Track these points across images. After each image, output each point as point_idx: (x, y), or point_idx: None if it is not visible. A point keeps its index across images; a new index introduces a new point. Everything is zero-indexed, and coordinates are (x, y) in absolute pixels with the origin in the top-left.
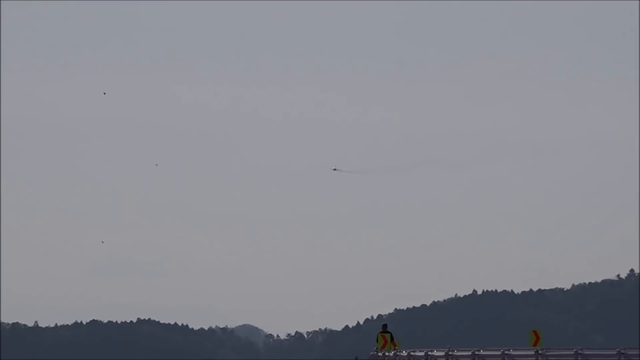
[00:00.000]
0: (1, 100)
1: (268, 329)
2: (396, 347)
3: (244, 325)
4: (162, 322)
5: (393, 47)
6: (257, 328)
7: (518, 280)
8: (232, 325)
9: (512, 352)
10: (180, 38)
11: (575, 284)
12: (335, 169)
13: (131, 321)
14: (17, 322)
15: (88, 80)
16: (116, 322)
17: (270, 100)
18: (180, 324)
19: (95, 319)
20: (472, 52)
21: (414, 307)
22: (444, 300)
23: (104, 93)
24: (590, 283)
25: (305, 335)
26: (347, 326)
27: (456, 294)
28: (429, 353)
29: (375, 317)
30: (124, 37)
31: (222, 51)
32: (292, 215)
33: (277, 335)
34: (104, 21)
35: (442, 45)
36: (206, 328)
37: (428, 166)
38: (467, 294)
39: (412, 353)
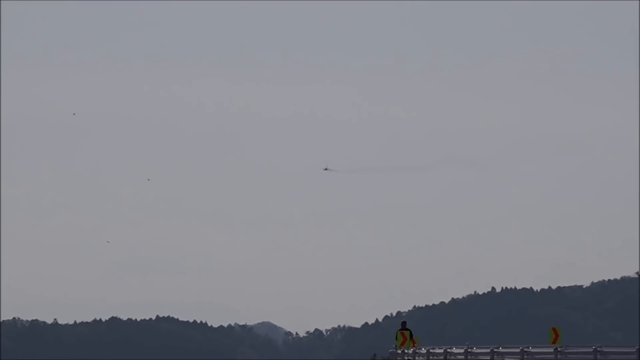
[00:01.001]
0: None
1: (287, 327)
2: (415, 345)
3: (263, 323)
4: (181, 319)
5: (407, 45)
6: (276, 326)
7: (537, 277)
8: (251, 322)
9: (531, 350)
10: (180, 36)
11: (595, 281)
12: (326, 169)
13: (150, 319)
14: (36, 320)
15: (87, 80)
16: (135, 319)
17: (280, 98)
18: (199, 322)
19: (115, 316)
20: (486, 51)
21: (433, 304)
22: (463, 298)
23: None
24: (609, 280)
25: (324, 333)
26: (366, 323)
27: (475, 291)
28: (448, 350)
29: (394, 315)
30: (124, 36)
31: (223, 50)
32: (311, 213)
33: (296, 333)
34: (102, 20)
35: (453, 44)
36: (225, 325)
37: (447, 164)
38: (486, 291)
39: (431, 350)
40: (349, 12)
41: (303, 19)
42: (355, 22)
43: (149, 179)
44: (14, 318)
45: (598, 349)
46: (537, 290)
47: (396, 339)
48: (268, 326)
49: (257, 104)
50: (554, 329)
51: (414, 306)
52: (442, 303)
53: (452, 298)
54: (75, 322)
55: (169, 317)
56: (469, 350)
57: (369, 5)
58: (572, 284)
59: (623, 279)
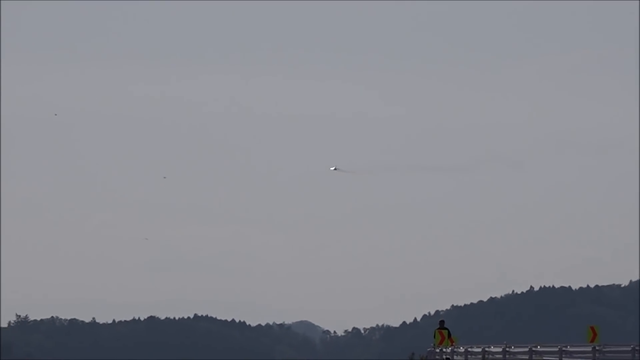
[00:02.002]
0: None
1: (325, 325)
2: (453, 344)
3: (301, 322)
4: (219, 318)
5: (428, 44)
6: (314, 324)
7: (575, 276)
8: (289, 321)
9: (569, 349)
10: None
11: (633, 280)
12: (335, 169)
13: (188, 317)
14: (75, 319)
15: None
16: (173, 318)
17: (304, 97)
18: (237, 321)
19: (153, 315)
20: (515, 50)
21: (471, 303)
22: (501, 297)
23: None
24: None
25: (362, 332)
26: (404, 322)
27: (513, 291)
28: (486, 349)
29: (432, 314)
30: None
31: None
32: (347, 211)
33: (334, 332)
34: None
35: (476, 43)
36: (263, 324)
37: (486, 163)
38: (524, 290)
39: (469, 349)
40: (377, 12)
41: (329, 16)
42: (381, 22)
43: (164, 177)
44: (53, 317)
45: (637, 347)
46: (575, 289)
47: (434, 338)
48: (306, 325)
49: (285, 103)
50: (592, 328)
51: (452, 305)
52: (481, 302)
53: (491, 297)
54: (113, 321)
55: (207, 316)
56: (507, 349)
57: (398, 5)
58: (611, 282)
59: None
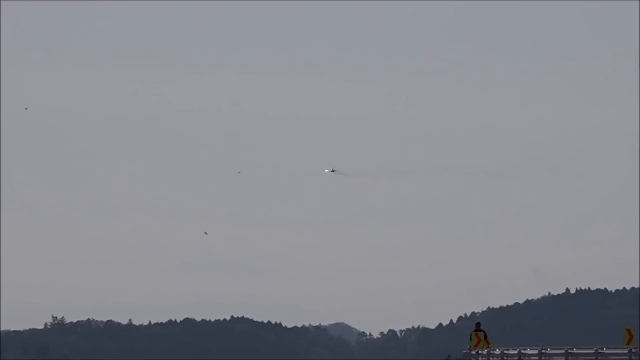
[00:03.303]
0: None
1: (361, 327)
2: (489, 346)
3: (337, 324)
4: (255, 320)
5: (465, 44)
6: (350, 326)
7: (612, 278)
8: (325, 323)
9: (605, 351)
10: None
11: None
12: (333, 170)
13: (224, 319)
14: (111, 320)
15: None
16: (210, 320)
17: (339, 99)
18: (273, 322)
19: (189, 317)
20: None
21: (507, 305)
22: (537, 299)
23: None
24: None
25: (399, 334)
26: (440, 324)
27: (549, 292)
28: (522, 351)
29: (468, 316)
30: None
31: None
32: (384, 212)
33: (370, 334)
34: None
35: (516, 44)
36: (299, 326)
37: (523, 165)
38: (560, 292)
39: (505, 351)
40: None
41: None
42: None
43: (239, 172)
44: (89, 319)
45: None
46: (611, 291)
47: (470, 339)
48: (342, 327)
49: (325, 105)
50: (628, 330)
51: (488, 307)
52: (517, 304)
53: (527, 299)
54: (149, 322)
55: (243, 317)
56: (543, 351)
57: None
58: None
59: None
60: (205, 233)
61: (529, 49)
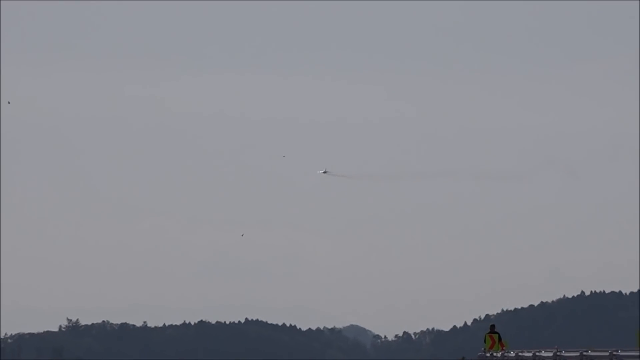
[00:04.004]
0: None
1: (376, 330)
2: (504, 348)
3: (352, 326)
4: (269, 322)
5: (480, 45)
6: (364, 329)
7: (626, 280)
8: (340, 325)
9: (620, 353)
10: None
11: None
12: (325, 172)
13: (239, 321)
14: (126, 323)
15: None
16: (224, 322)
17: (357, 102)
18: (288, 325)
19: (203, 319)
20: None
21: (522, 307)
22: (552, 301)
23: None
24: None
25: (413, 336)
26: (454, 327)
27: (564, 295)
28: (537, 354)
29: (482, 318)
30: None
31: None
32: (398, 215)
33: (385, 336)
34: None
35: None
36: (314, 329)
37: (543, 169)
38: (575, 294)
39: (520, 354)
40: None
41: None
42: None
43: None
44: (103, 321)
45: None
46: (626, 293)
47: (485, 342)
48: (357, 329)
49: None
50: None
51: (503, 309)
52: (531, 306)
53: (541, 301)
54: (164, 325)
55: (257, 320)
56: (558, 353)
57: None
58: None
59: None
60: (242, 235)
61: (536, 51)
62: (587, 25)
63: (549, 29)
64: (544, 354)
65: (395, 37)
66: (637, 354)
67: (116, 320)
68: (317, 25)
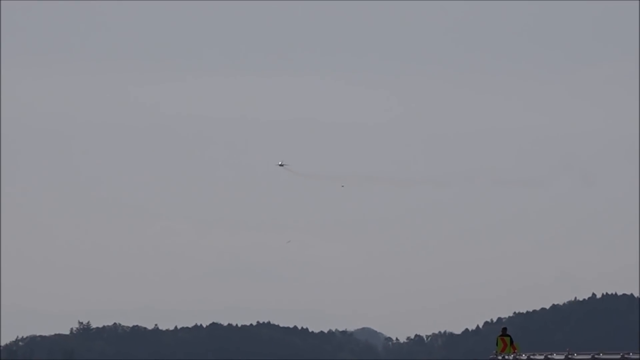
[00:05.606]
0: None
1: (387, 332)
2: (515, 351)
3: (364, 329)
4: (281, 325)
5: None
6: (376, 331)
7: (638, 283)
8: (351, 328)
9: (631, 356)
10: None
11: None
12: (281, 164)
13: (251, 324)
14: (137, 325)
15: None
16: (236, 325)
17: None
18: (299, 328)
19: (215, 322)
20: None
21: (533, 310)
22: (564, 304)
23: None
24: None
25: (425, 339)
26: (466, 329)
27: (576, 298)
28: (549, 356)
29: (494, 320)
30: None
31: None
32: (410, 218)
33: (397, 339)
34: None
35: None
36: (326, 331)
37: (555, 173)
38: (586, 297)
39: (531, 357)
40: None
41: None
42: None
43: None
44: (115, 324)
45: None
46: (638, 296)
47: (497, 344)
48: (368, 332)
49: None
50: None
51: (515, 312)
52: (543, 309)
53: (553, 304)
54: (175, 327)
55: (269, 323)
56: (570, 356)
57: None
58: None
59: None
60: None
61: (538, 53)
62: (592, 27)
63: (552, 30)
64: (555, 356)
65: (397, 38)
66: None
67: (127, 322)
68: (317, 26)
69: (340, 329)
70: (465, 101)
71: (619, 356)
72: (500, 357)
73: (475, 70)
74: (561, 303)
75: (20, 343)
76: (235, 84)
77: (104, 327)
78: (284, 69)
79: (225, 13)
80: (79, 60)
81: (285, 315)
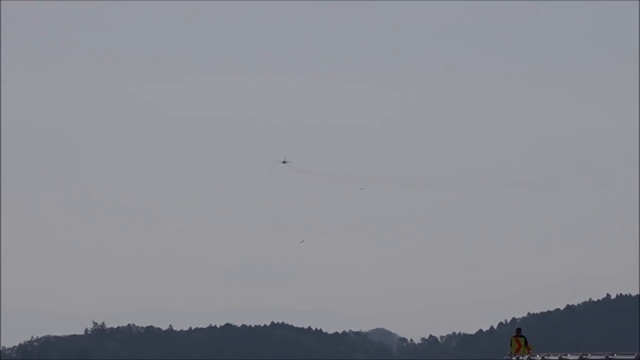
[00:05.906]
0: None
1: (402, 333)
2: (530, 351)
3: (378, 329)
4: (295, 326)
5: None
6: (390, 332)
7: None
8: (365, 329)
9: None
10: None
11: None
12: (284, 162)
13: (265, 325)
14: (151, 326)
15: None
16: (250, 326)
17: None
18: (314, 328)
19: (229, 323)
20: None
21: (548, 311)
22: (578, 305)
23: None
24: None
25: (439, 339)
26: (480, 330)
27: (590, 298)
28: (563, 357)
29: (508, 321)
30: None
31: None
32: (424, 219)
33: (411, 340)
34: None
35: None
36: (340, 332)
37: (570, 174)
38: (601, 297)
39: (545, 357)
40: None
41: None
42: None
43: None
44: (129, 324)
45: None
46: None
47: (511, 345)
48: (382, 332)
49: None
50: None
51: (529, 313)
52: (557, 310)
53: (567, 305)
54: (190, 328)
55: (283, 323)
56: (584, 356)
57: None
58: None
59: None
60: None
61: (541, 53)
62: (603, 29)
63: (555, 32)
64: (569, 357)
65: (397, 39)
66: None
67: (142, 323)
68: (317, 26)
69: (355, 330)
70: (476, 102)
71: (633, 357)
72: (514, 358)
73: (484, 71)
74: (575, 304)
75: (35, 343)
76: (236, 84)
77: (118, 327)
78: (285, 69)
79: (225, 13)
80: (79, 60)
81: (299, 315)
